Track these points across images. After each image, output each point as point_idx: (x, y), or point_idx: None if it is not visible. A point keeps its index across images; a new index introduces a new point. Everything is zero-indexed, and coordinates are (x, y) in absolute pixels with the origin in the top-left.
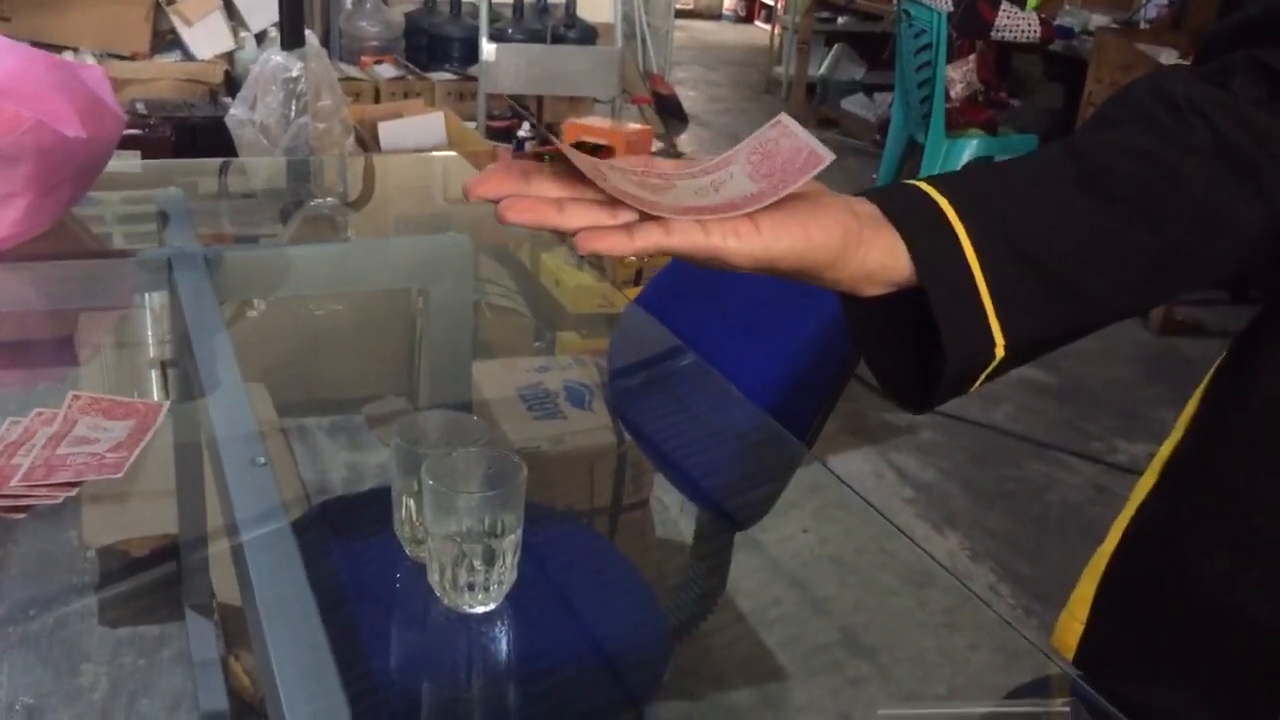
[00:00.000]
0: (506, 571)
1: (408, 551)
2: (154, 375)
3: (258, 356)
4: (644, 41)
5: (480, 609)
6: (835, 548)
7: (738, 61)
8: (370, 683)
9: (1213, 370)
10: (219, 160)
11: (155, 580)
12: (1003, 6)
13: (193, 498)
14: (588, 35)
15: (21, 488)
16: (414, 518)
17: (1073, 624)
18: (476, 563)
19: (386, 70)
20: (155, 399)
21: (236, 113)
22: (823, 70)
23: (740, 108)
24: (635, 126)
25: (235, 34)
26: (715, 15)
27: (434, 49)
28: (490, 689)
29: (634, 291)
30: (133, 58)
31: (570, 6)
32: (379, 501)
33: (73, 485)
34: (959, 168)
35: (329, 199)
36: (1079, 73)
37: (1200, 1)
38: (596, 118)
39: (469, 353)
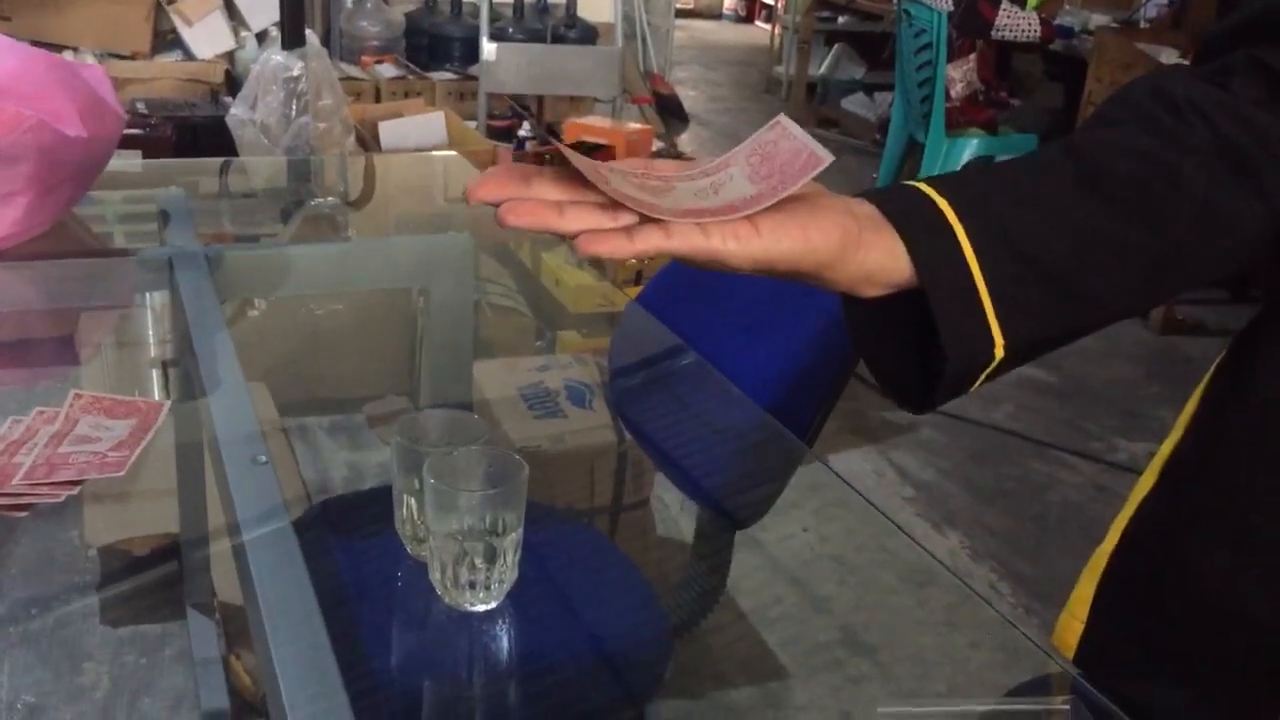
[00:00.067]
0: (507, 570)
1: (409, 550)
2: (155, 374)
3: (259, 356)
4: (644, 41)
5: (481, 607)
6: (836, 546)
7: (738, 61)
8: (372, 681)
9: (1213, 369)
10: (220, 160)
11: (157, 579)
12: (1003, 6)
13: (194, 497)
14: (588, 35)
15: (23, 486)
16: (415, 516)
17: (1073, 623)
18: (478, 561)
19: (387, 70)
20: (156, 398)
21: (237, 112)
22: (823, 70)
23: (740, 107)
24: (635, 126)
25: (236, 33)
26: (715, 15)
27: (434, 48)
28: (491, 687)
29: (634, 291)
30: (133, 57)
31: (571, 6)
32: (380, 500)
33: (74, 484)
34: (959, 167)
35: (330, 198)
36: (1079, 72)
37: (1200, 1)
38: (597, 117)
39: (470, 352)
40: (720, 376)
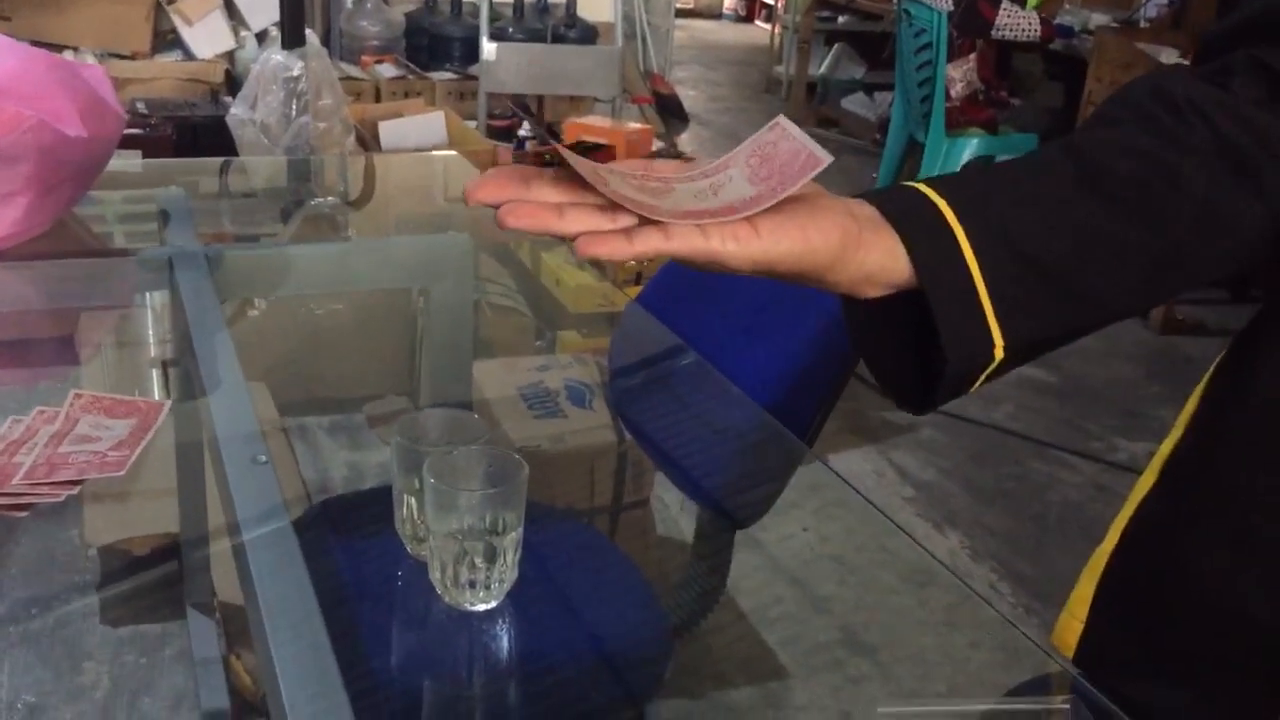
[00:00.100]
0: (507, 570)
1: (409, 550)
2: (155, 374)
3: (259, 355)
4: (644, 41)
5: (481, 607)
6: (836, 546)
7: (738, 61)
8: (372, 681)
9: (1212, 369)
10: (220, 159)
11: (157, 579)
12: (1003, 5)
13: (194, 496)
14: (588, 34)
15: (23, 486)
16: (415, 516)
17: (1072, 623)
18: (478, 560)
19: (387, 69)
20: (156, 398)
21: (237, 112)
22: (823, 69)
23: (741, 107)
24: (635, 126)
25: (236, 33)
26: (715, 14)
27: (434, 48)
28: (491, 687)
29: (634, 291)
30: (133, 57)
31: (571, 6)
32: (380, 500)
33: (74, 484)
34: (959, 166)
35: (330, 198)
36: (1079, 72)
37: (1200, 1)
38: (597, 117)
39: (470, 352)
40: (720, 376)
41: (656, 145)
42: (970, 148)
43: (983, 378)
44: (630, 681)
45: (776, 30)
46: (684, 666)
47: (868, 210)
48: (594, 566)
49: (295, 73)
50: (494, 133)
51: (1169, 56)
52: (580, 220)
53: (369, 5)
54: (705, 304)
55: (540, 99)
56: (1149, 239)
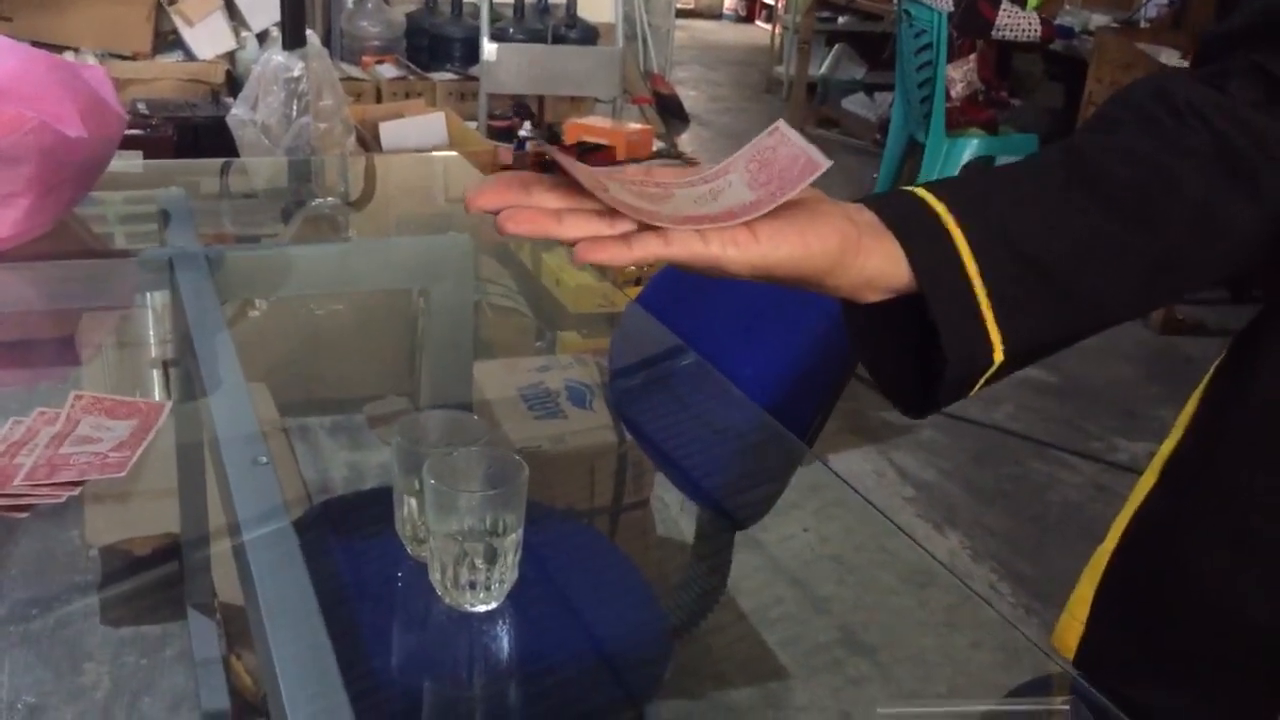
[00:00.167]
0: (508, 570)
1: (409, 551)
2: (155, 375)
3: (259, 356)
4: (645, 41)
5: (482, 608)
6: (836, 547)
7: (738, 61)
8: (372, 681)
9: (1212, 370)
10: (220, 160)
11: (157, 579)
12: (1003, 6)
13: (194, 497)
14: (589, 35)
15: (24, 487)
16: (415, 517)
17: (1073, 624)
18: (478, 561)
19: (388, 70)
20: (157, 398)
21: (238, 112)
22: (823, 70)
23: (741, 107)
24: (636, 126)
25: (237, 34)
26: (716, 15)
27: (435, 49)
28: (491, 688)
29: (635, 291)
30: (134, 58)
31: (571, 6)
32: (380, 501)
33: (75, 484)
34: (960, 167)
35: (330, 199)
36: (1079, 72)
37: (1200, 1)
38: (597, 117)
39: (470, 352)
40: (720, 377)
41: (657, 146)
42: (970, 148)
43: (982, 381)
44: (630, 682)
45: (777, 30)
46: (684, 667)
47: (867, 215)
48: (594, 567)
49: (296, 73)
50: (494, 133)
51: (1169, 57)
52: (579, 226)
53: (369, 6)
54: (705, 304)
55: (541, 99)
56: (1147, 241)
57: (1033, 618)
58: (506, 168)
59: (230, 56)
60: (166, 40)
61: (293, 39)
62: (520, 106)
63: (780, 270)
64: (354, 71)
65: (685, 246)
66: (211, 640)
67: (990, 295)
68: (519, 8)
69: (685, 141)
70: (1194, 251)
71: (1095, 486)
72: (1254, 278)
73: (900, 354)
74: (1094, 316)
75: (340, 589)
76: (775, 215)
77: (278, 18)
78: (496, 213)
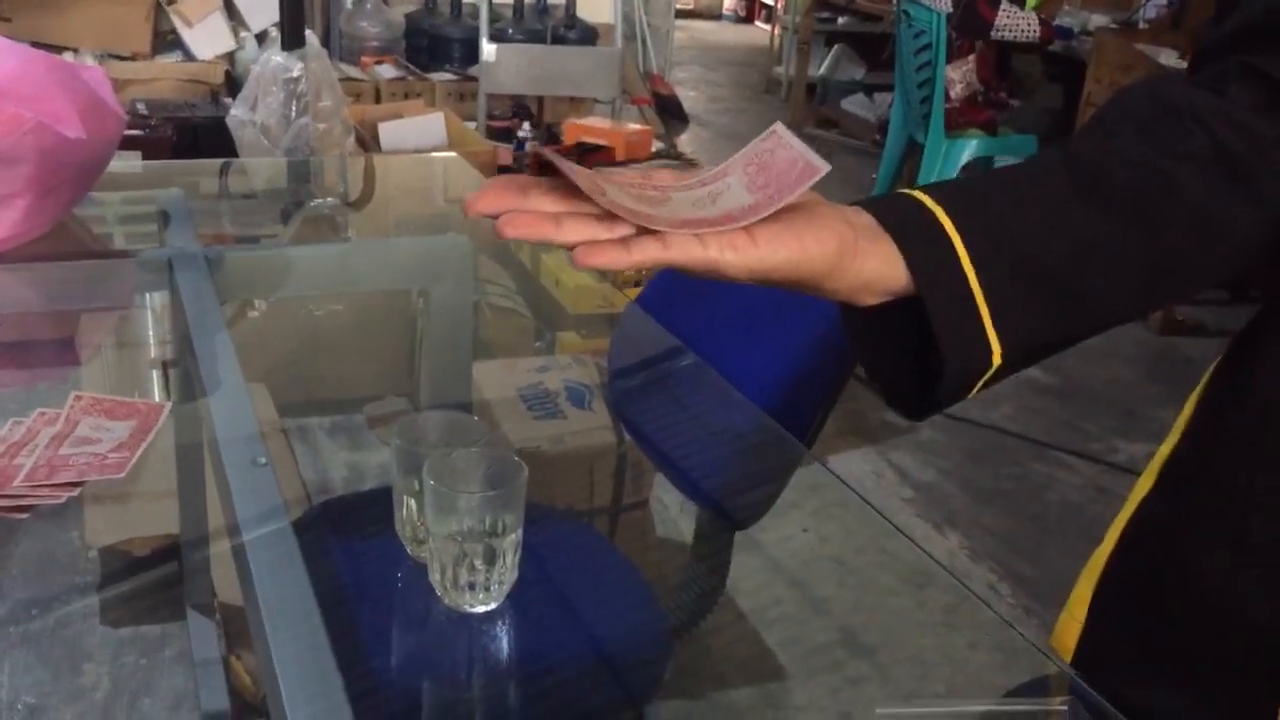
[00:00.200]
0: (507, 571)
1: (409, 551)
2: (155, 375)
3: (259, 357)
4: (644, 42)
5: (481, 608)
6: (835, 547)
7: (738, 62)
8: (371, 682)
9: (1211, 370)
10: (220, 161)
11: (157, 580)
12: (1002, 6)
13: (194, 498)
14: (588, 35)
15: (24, 488)
16: (415, 518)
17: (1071, 624)
18: (477, 562)
19: (387, 71)
20: (157, 399)
21: (237, 113)
22: (823, 70)
23: (740, 108)
24: (635, 127)
25: (236, 34)
26: (715, 15)
27: (434, 49)
28: (491, 688)
29: (634, 292)
30: (133, 58)
31: (570, 7)
32: (380, 501)
33: (75, 485)
34: (959, 168)
35: (329, 199)
36: (1078, 73)
37: (1199, 1)
38: (597, 118)
39: (469, 353)
40: (719, 378)
41: (656, 146)
42: (969, 149)
43: (980, 383)
44: (630, 682)
45: (776, 31)
46: (683, 667)
47: (865, 218)
48: (593, 568)
49: (295, 74)
50: (493, 133)
51: (1168, 57)
52: (578, 230)
53: (369, 6)
54: (704, 305)
55: (540, 100)
56: (1145, 245)
57: (1031, 618)
58: (505, 168)
59: (229, 57)
60: (165, 40)
61: (292, 39)
62: (519, 107)
63: (778, 274)
64: (353, 72)
65: (683, 250)
66: (211, 641)
67: (988, 298)
68: (518, 8)
69: (684, 142)
70: (1192, 255)
71: (1094, 487)
72: (1252, 279)
73: (898, 357)
74: (1092, 319)
75: (339, 590)
76: (773, 219)
77: (277, 18)
78: (495, 217)
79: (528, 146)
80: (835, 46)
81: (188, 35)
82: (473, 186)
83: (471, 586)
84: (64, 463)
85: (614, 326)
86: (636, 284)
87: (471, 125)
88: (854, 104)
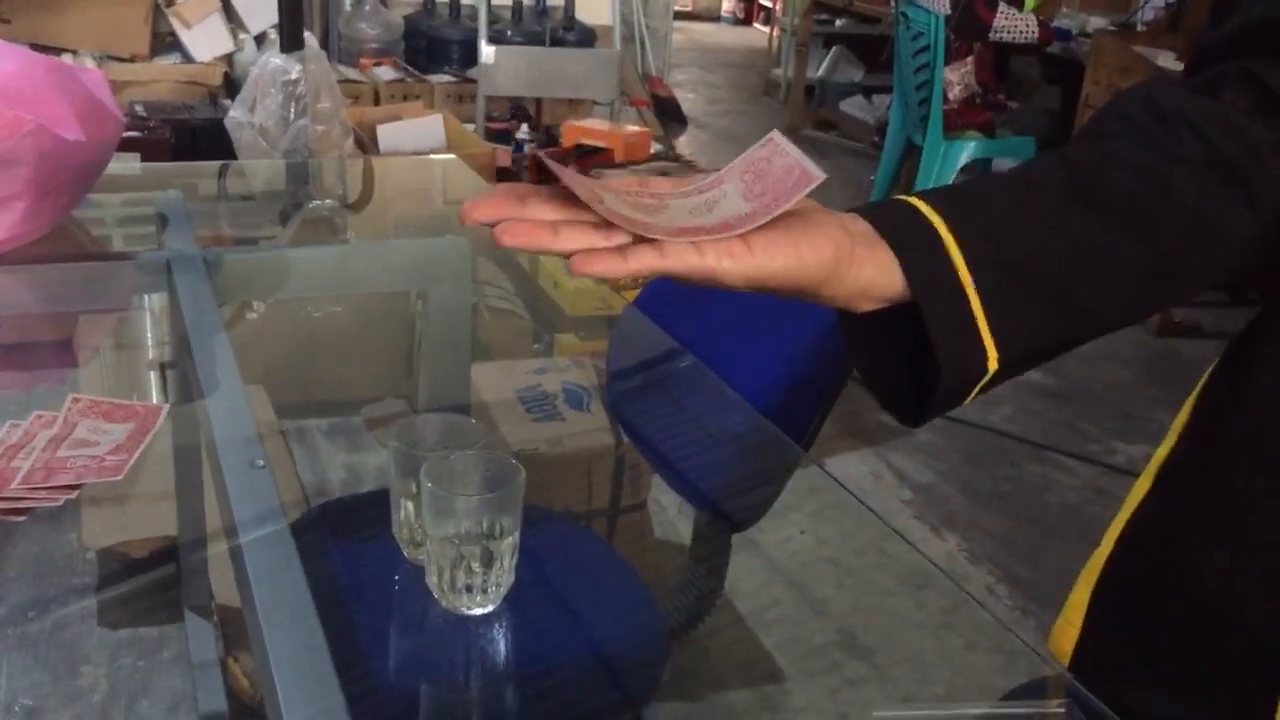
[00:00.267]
0: (505, 574)
1: (406, 554)
2: (153, 377)
3: (257, 358)
4: (643, 44)
5: (478, 611)
6: (833, 549)
7: (736, 64)
8: (369, 684)
9: (1207, 374)
10: (218, 162)
11: (154, 582)
12: (1000, 8)
13: (192, 500)
14: (586, 37)
15: (21, 490)
16: (412, 520)
17: (1068, 629)
18: (475, 565)
19: (385, 72)
20: (154, 401)
21: (236, 115)
22: (821, 72)
23: (739, 110)
24: (634, 129)
25: (234, 36)
26: (714, 17)
27: (433, 51)
28: (488, 691)
29: (632, 294)
30: (132, 60)
31: (569, 9)
32: (378, 503)
33: (72, 488)
34: (957, 169)
35: (328, 201)
36: (1077, 75)
37: (1197, 4)
38: (595, 120)
39: (468, 355)
40: (717, 380)
41: (655, 148)
42: (968, 150)
43: (977, 389)
44: (628, 684)
45: (775, 33)
46: (681, 669)
47: (861, 225)
48: (591, 570)
49: (294, 76)
50: (492, 135)
51: (1166, 59)
52: (575, 238)
53: (367, 8)
54: (702, 307)
55: (538, 102)
56: (1141, 250)
57: (1030, 619)
58: (504, 170)
59: (228, 59)
60: (164, 42)
61: (290, 41)
62: (518, 109)
63: (775, 282)
64: (352, 74)
65: (680, 259)
66: (209, 642)
67: (984, 304)
68: (517, 10)
69: (683, 144)
70: (1188, 259)
71: (1093, 489)
72: (1250, 282)
73: (895, 363)
74: (1089, 324)
75: (337, 592)
76: (770, 226)
77: (275, 20)
78: (492, 225)
79: (526, 148)
80: (833, 48)
81: (186, 37)
82: (471, 188)
83: (469, 589)
84: (61, 465)
85: (612, 329)
86: (635, 286)
87: (470, 127)
88: (852, 106)
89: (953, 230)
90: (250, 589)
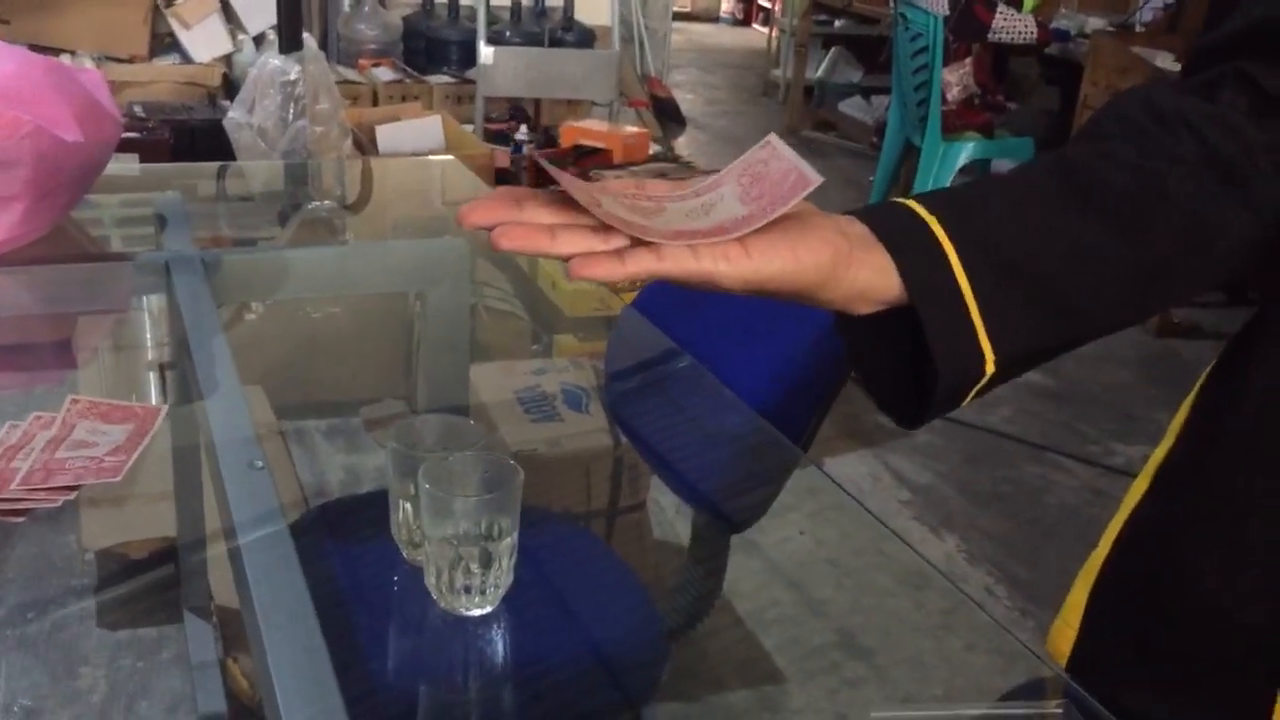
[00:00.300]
0: (503, 574)
1: (405, 555)
2: (152, 378)
3: (256, 359)
4: (641, 44)
5: (477, 612)
6: (832, 550)
7: (735, 64)
8: (367, 685)
9: (1206, 373)
10: (217, 163)
11: (153, 583)
12: (999, 9)
13: (191, 501)
14: (585, 38)
15: (20, 491)
16: (411, 521)
17: (1065, 630)
18: (473, 566)
19: (384, 73)
20: (153, 402)
21: (234, 116)
22: (820, 73)
23: (738, 110)
24: (632, 129)
25: (233, 37)
26: (713, 18)
27: (432, 52)
28: (487, 692)
29: (630, 295)
30: (131, 60)
31: (568, 9)
32: (377, 504)
33: (71, 489)
34: (956, 170)
35: (327, 202)
36: (1075, 75)
37: (1196, 5)
38: (594, 120)
39: (466, 355)
40: (715, 380)
41: (653, 149)
42: (966, 151)
43: (974, 391)
44: (626, 685)
45: (773, 34)
46: (680, 670)
47: (858, 228)
48: (590, 570)
49: (292, 76)
50: (491, 136)
51: (1164, 60)
52: (572, 242)
53: (366, 9)
54: (700, 308)
55: (537, 103)
56: (1138, 251)
57: (1028, 620)
58: (503, 171)
59: (227, 59)
60: (163, 43)
61: (289, 42)
62: (517, 110)
63: (772, 285)
64: (350, 74)
65: (677, 262)
66: (208, 643)
67: (981, 307)
68: (516, 11)
69: (682, 145)
70: (1185, 260)
71: (1092, 490)
72: (1249, 280)
73: (893, 365)
74: (1087, 326)
75: (336, 593)
76: (767, 229)
77: (274, 21)
78: (490, 228)
79: (525, 149)
80: (832, 49)
81: (185, 38)
82: (470, 189)
83: (467, 590)
84: (60, 466)
85: (611, 330)
86: (633, 288)
87: (469, 128)
88: (851, 106)
89: (949, 233)
90: (249, 590)
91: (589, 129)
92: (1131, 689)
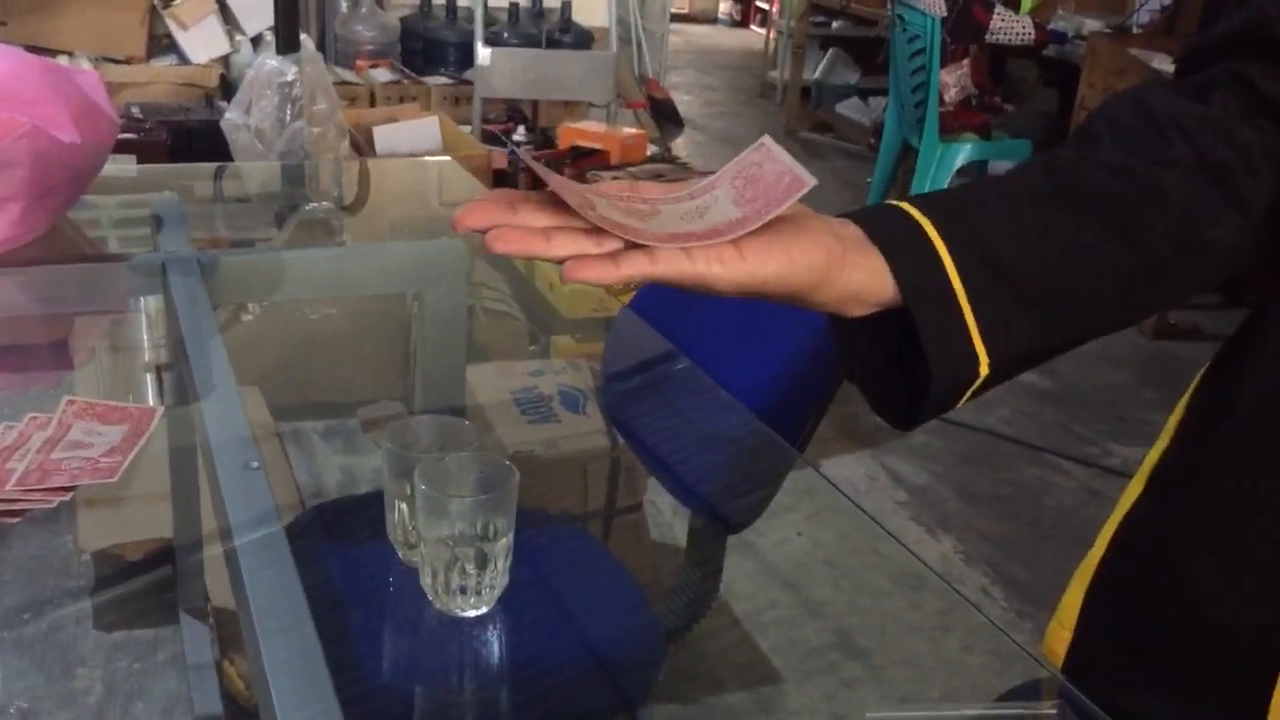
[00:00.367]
0: (498, 575)
1: (400, 555)
2: (148, 379)
3: (252, 360)
4: (639, 46)
5: (473, 613)
6: (829, 551)
7: (733, 66)
8: (363, 686)
9: (1199, 377)
10: (214, 164)
11: (150, 584)
12: (996, 10)
13: (187, 502)
14: (583, 40)
15: (16, 492)
16: (406, 522)
17: (1061, 632)
18: (469, 566)
19: (382, 74)
20: (150, 403)
21: (232, 117)
22: (817, 74)
23: (735, 112)
24: (630, 131)
25: (231, 38)
26: (710, 19)
27: (429, 53)
28: (483, 693)
29: (628, 296)
30: (128, 61)
31: (565, 11)
32: (373, 505)
33: (67, 490)
34: (953, 171)
35: (324, 203)
36: (1073, 77)
37: (1193, 6)
38: (592, 122)
39: (463, 357)
40: (712, 382)
41: (651, 150)
42: (964, 153)
43: (969, 393)
44: (623, 686)
45: (771, 35)
46: (677, 671)
47: (852, 230)
48: (587, 571)
49: (290, 77)
50: (488, 137)
51: (1161, 62)
52: (566, 244)
53: (364, 10)
54: (697, 310)
55: (535, 104)
56: (1131, 252)
57: (1025, 621)
58: (500, 172)
59: (224, 60)
60: (160, 44)
61: (287, 43)
62: (514, 111)
63: (766, 287)
64: (348, 76)
65: (671, 265)
66: (204, 645)
67: (975, 309)
68: (513, 12)
69: (679, 146)
70: (1178, 261)
71: (1088, 491)
72: (1246, 281)
73: (887, 367)
74: (1081, 328)
75: (332, 594)
76: (760, 232)
77: (272, 22)
78: (484, 231)
79: (508, 145)
80: (830, 51)
81: (183, 39)
82: (467, 190)
83: (463, 591)
84: (56, 467)
85: (608, 331)
86: (629, 290)
87: (466, 129)
88: (849, 108)
89: (943, 235)
90: (245, 591)
91: (586, 130)
92: (1127, 690)
